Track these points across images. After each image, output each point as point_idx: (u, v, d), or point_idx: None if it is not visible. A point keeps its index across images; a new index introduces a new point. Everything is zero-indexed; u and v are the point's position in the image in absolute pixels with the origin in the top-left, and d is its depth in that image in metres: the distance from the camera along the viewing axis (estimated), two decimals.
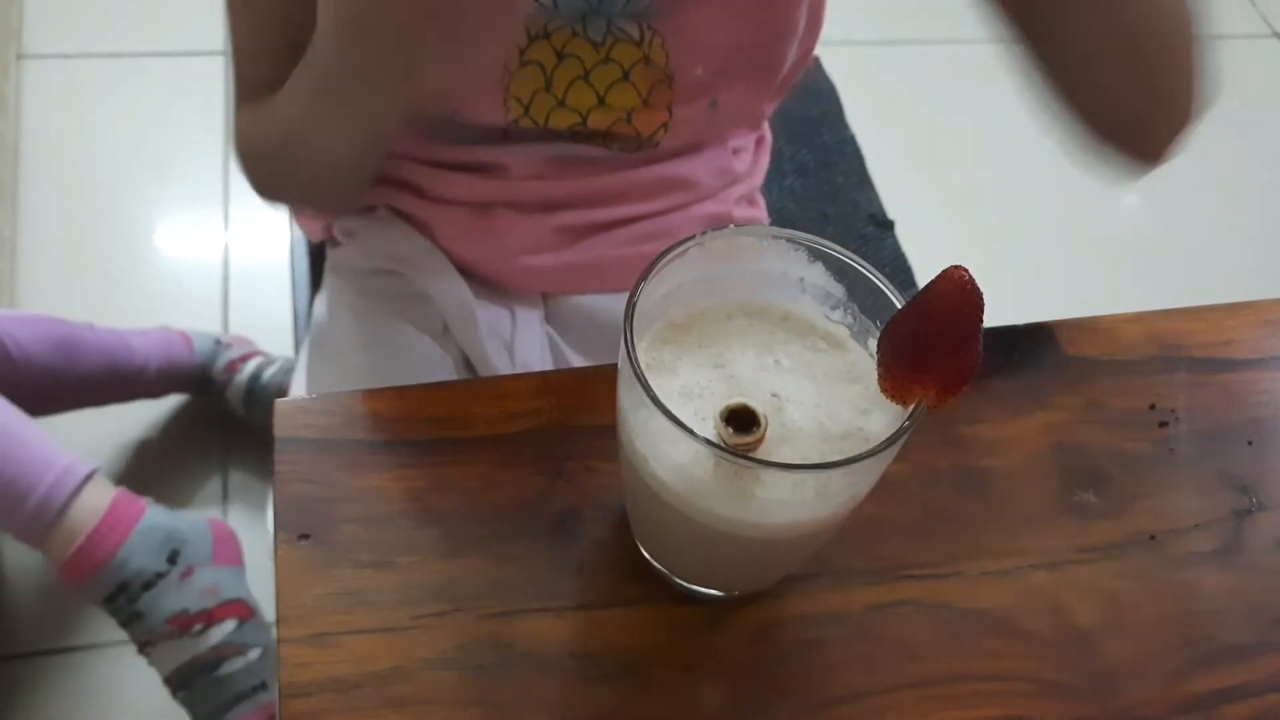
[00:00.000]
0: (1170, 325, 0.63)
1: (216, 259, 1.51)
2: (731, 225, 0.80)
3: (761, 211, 0.87)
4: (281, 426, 0.53)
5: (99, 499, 0.99)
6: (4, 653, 1.15)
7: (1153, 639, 0.52)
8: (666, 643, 0.49)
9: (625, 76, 0.68)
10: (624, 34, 0.66)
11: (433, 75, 0.57)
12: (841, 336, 0.46)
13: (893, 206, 1.04)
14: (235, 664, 0.99)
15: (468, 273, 0.76)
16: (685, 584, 0.50)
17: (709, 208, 0.80)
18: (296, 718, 0.45)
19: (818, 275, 0.45)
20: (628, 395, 0.42)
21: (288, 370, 1.26)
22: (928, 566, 0.53)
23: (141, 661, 1.02)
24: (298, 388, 0.79)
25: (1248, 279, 1.70)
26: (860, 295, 0.44)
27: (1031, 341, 0.62)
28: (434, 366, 0.76)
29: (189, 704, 1.00)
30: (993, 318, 0.40)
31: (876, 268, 0.44)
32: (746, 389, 0.43)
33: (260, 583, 1.07)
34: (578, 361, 0.79)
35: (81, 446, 1.02)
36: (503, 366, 0.76)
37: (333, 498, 0.51)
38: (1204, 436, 0.59)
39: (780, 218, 1.00)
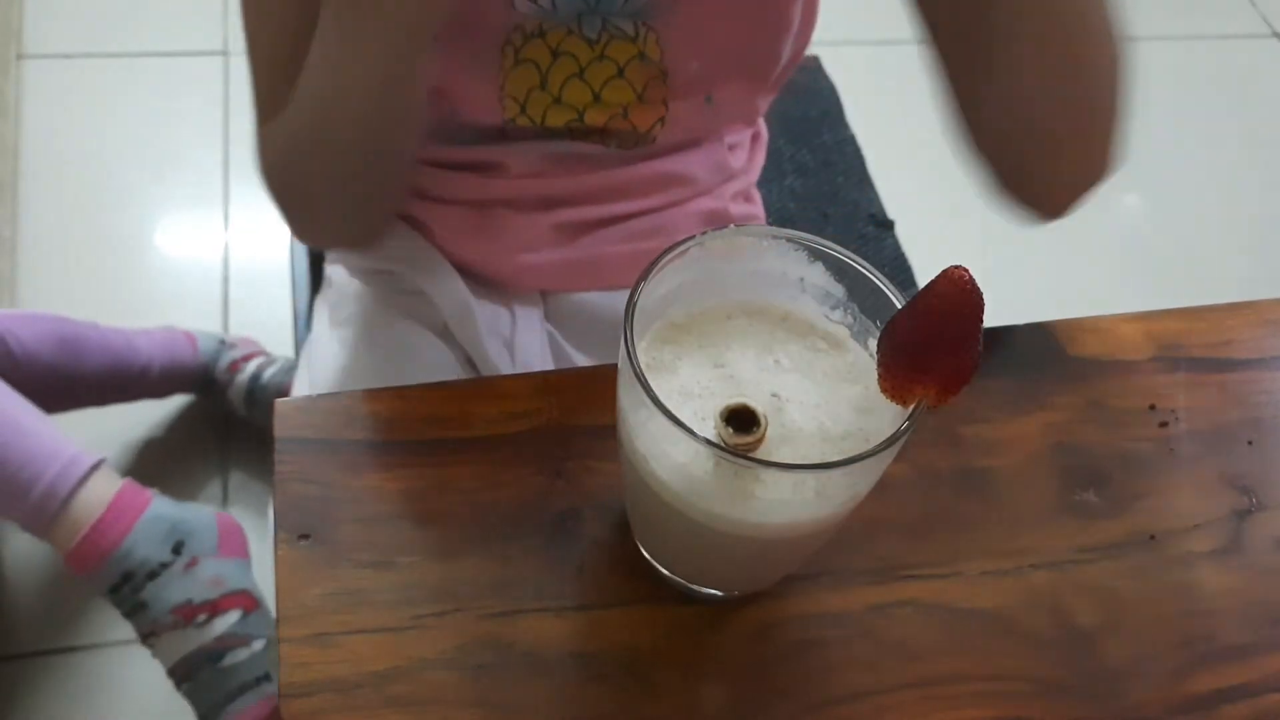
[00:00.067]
0: (1170, 325, 0.63)
1: (216, 259, 1.51)
2: (730, 223, 0.81)
3: (758, 208, 0.87)
4: (281, 426, 0.53)
5: (105, 489, 0.99)
6: (4, 653, 1.15)
7: (1153, 639, 0.52)
8: (666, 643, 0.49)
9: (620, 73, 0.68)
10: (619, 31, 0.66)
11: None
12: (841, 336, 0.46)
13: (893, 206, 1.04)
14: (239, 655, 0.99)
15: (467, 272, 0.76)
16: (685, 584, 0.50)
17: (706, 204, 0.80)
18: (296, 718, 0.45)
19: (818, 275, 0.45)
20: (628, 395, 0.42)
21: (288, 370, 1.26)
22: (928, 566, 0.53)
23: (142, 661, 1.02)
24: (299, 388, 0.79)
25: (1248, 279, 1.70)
26: (860, 295, 0.44)
27: (1031, 341, 0.62)
28: (438, 363, 0.76)
29: (192, 696, 1.00)
30: (993, 318, 0.40)
31: (876, 268, 0.44)
32: (746, 389, 0.43)
33: (261, 582, 1.07)
34: (579, 358, 0.79)
35: (82, 445, 1.02)
36: (503, 365, 0.76)
37: (333, 498, 0.51)
38: (1204, 436, 0.59)
39: (780, 218, 1.00)
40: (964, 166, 0.64)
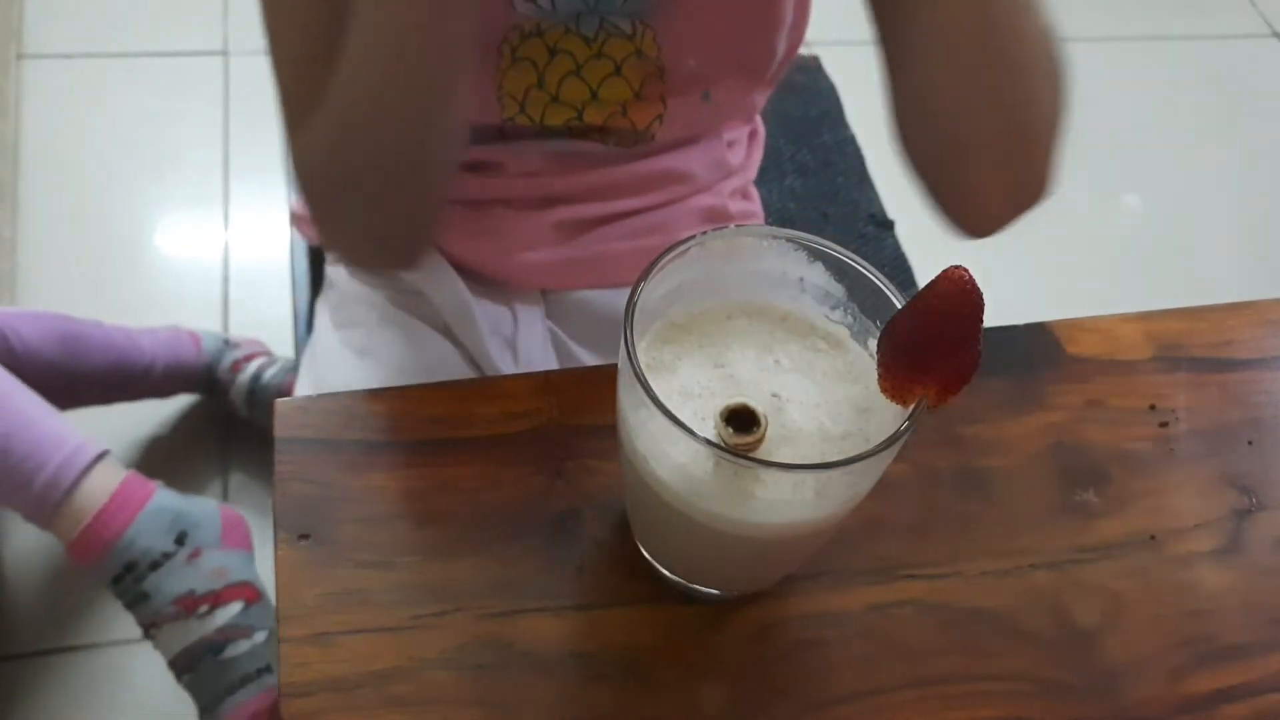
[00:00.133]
0: (1170, 325, 0.63)
1: (216, 259, 1.51)
2: (729, 220, 0.81)
3: (756, 205, 0.87)
4: (282, 426, 0.53)
5: (108, 479, 0.99)
6: (4, 653, 1.15)
7: (1153, 639, 0.52)
8: (666, 643, 0.49)
9: (617, 70, 0.68)
10: (616, 29, 0.67)
11: None
12: (841, 336, 0.46)
13: (893, 206, 1.04)
14: (240, 646, 0.99)
15: (467, 272, 0.76)
16: (685, 584, 0.50)
17: (705, 201, 0.80)
18: (296, 717, 0.45)
19: (818, 275, 0.45)
20: (628, 395, 0.42)
21: (289, 370, 1.26)
22: (928, 566, 0.53)
23: (143, 660, 1.02)
24: (301, 390, 0.79)
25: (1248, 279, 1.70)
26: (860, 295, 0.44)
27: (1031, 341, 0.62)
28: (444, 364, 0.76)
29: (193, 687, 1.00)
30: (993, 318, 0.40)
31: (876, 268, 0.44)
32: (746, 389, 0.43)
33: (262, 582, 1.07)
34: (582, 355, 0.79)
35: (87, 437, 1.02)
36: (505, 365, 0.76)
37: (333, 498, 0.51)
38: (1204, 436, 0.59)
39: (780, 218, 1.00)
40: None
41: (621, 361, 0.41)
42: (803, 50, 0.77)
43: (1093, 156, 1.84)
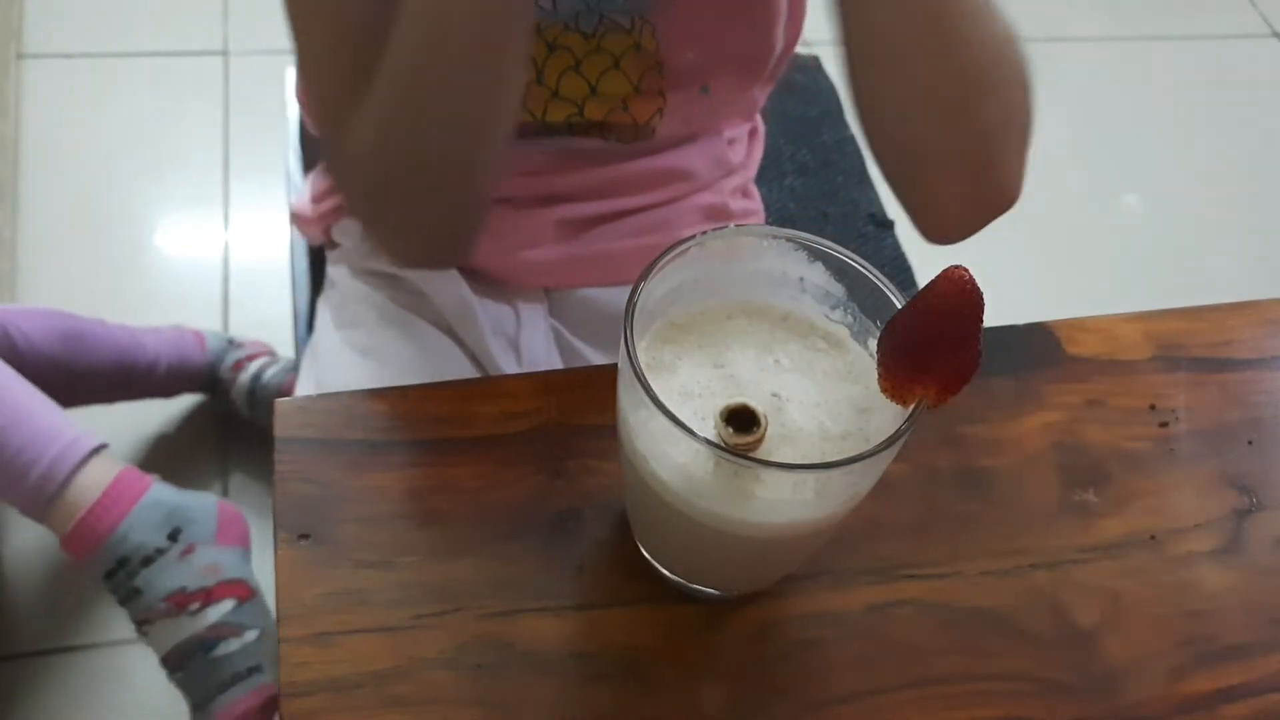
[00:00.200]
0: (1170, 325, 0.63)
1: (216, 259, 1.51)
2: (730, 218, 0.81)
3: (756, 203, 0.87)
4: (282, 426, 0.53)
5: (103, 473, 0.99)
6: (4, 652, 1.15)
7: (1153, 639, 0.52)
8: (666, 643, 0.49)
9: (616, 64, 0.68)
10: (614, 24, 0.67)
11: None
12: (841, 336, 0.46)
13: (892, 206, 1.04)
14: (231, 645, 0.98)
15: (469, 270, 0.76)
16: (685, 584, 0.50)
17: (706, 198, 0.80)
18: (296, 717, 0.45)
19: (818, 275, 0.45)
20: (628, 395, 0.42)
21: (290, 370, 1.26)
22: (928, 566, 0.53)
23: (142, 660, 1.02)
24: (302, 389, 0.79)
25: (1248, 279, 1.70)
26: (860, 295, 0.44)
27: (1031, 341, 0.62)
28: (448, 363, 0.76)
29: (184, 685, 0.99)
30: (993, 318, 0.40)
31: (876, 268, 0.44)
32: (746, 389, 0.43)
33: (261, 582, 1.07)
34: (586, 351, 0.79)
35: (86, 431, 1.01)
36: (507, 364, 0.76)
37: (333, 498, 0.51)
38: (1204, 436, 0.59)
39: (780, 217, 1.00)
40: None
41: (621, 361, 0.41)
42: (802, 50, 0.77)
43: (1093, 156, 1.85)
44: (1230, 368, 0.62)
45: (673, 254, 0.43)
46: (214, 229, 1.54)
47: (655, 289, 0.43)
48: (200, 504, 1.03)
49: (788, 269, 0.45)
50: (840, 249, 0.44)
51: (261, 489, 1.29)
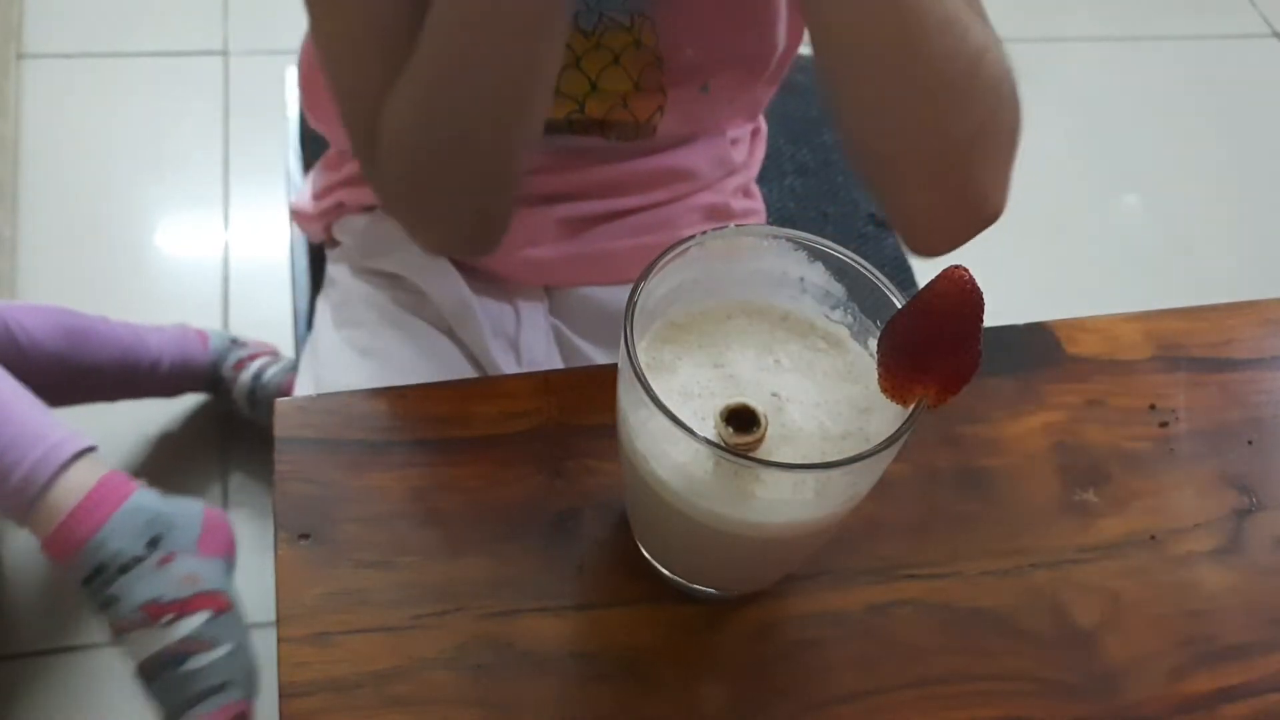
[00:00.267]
0: (1170, 325, 0.63)
1: (216, 259, 1.51)
2: (732, 218, 0.81)
3: (758, 203, 0.87)
4: (282, 426, 0.53)
5: (86, 476, 0.97)
6: (4, 653, 1.15)
7: (1153, 639, 0.52)
8: (666, 643, 0.49)
9: (616, 60, 0.68)
10: (614, 22, 0.67)
11: None
12: (841, 336, 0.46)
13: None
14: (200, 660, 0.95)
15: (470, 269, 0.76)
16: (685, 584, 0.50)
17: (707, 198, 0.80)
18: (296, 717, 0.45)
19: (818, 275, 0.45)
20: (628, 395, 0.42)
21: (290, 370, 1.26)
22: (928, 566, 0.53)
23: None
24: (302, 389, 0.79)
25: (1248, 279, 1.70)
26: (860, 295, 0.44)
27: (1031, 341, 0.62)
28: (448, 363, 0.76)
29: (155, 698, 0.96)
30: (993, 318, 0.40)
31: (876, 268, 0.44)
32: (746, 389, 0.43)
33: (260, 582, 1.06)
34: (587, 349, 0.79)
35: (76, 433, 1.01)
36: (507, 363, 0.76)
37: (333, 498, 0.51)
38: (1204, 436, 0.59)
39: (780, 217, 1.00)
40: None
41: (621, 361, 0.41)
42: (804, 50, 0.77)
43: (1093, 156, 1.85)
44: (1230, 368, 0.62)
45: (673, 254, 0.43)
46: (214, 228, 1.54)
47: (655, 289, 0.43)
48: (184, 511, 1.01)
49: (788, 269, 0.45)
50: (840, 249, 0.44)
51: (262, 489, 1.29)
